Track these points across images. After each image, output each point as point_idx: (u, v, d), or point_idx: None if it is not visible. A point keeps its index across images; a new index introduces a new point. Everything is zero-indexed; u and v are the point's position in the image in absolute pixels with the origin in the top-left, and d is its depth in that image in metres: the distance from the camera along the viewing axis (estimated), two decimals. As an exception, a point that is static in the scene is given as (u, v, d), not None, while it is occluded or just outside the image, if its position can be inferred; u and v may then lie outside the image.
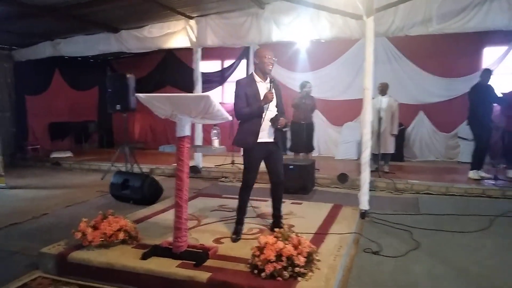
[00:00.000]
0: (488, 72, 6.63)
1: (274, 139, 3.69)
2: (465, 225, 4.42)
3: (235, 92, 3.62)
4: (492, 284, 2.97)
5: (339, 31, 5.95)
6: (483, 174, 6.56)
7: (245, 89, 3.59)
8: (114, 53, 9.22)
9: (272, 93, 3.54)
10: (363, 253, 3.59)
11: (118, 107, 6.80)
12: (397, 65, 9.07)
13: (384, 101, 6.99)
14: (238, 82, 3.65)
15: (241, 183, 3.79)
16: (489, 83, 6.52)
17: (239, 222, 3.78)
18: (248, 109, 3.56)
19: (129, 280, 2.94)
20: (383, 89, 7.05)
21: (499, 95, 6.38)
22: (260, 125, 3.57)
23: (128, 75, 6.76)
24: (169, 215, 4.33)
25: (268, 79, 3.63)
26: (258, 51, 3.72)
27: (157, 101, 3.11)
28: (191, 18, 6.96)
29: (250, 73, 3.78)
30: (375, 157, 7.00)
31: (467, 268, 3.28)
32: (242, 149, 3.78)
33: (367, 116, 4.83)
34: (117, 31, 7.51)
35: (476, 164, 6.62)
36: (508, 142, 7.12)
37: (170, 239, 3.33)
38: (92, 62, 11.20)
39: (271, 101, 3.53)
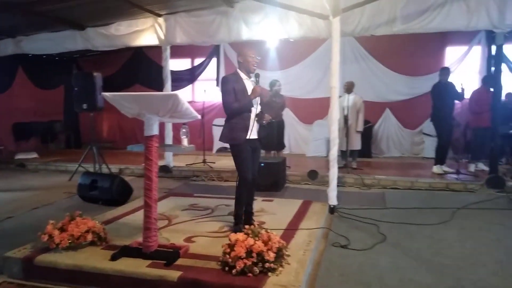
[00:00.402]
0: (446, 70, 6.91)
1: (258, 135, 3.78)
2: (429, 217, 4.60)
3: (222, 89, 3.64)
4: (453, 274, 3.11)
5: (307, 31, 6.05)
6: (446, 169, 6.84)
7: (232, 84, 3.62)
8: (80, 51, 8.98)
9: (260, 86, 3.61)
10: (332, 247, 3.68)
11: (84, 106, 6.66)
12: (364, 64, 9.30)
13: (349, 99, 7.16)
14: (225, 78, 3.69)
15: (238, 181, 3.77)
16: (449, 80, 6.79)
17: (240, 219, 3.80)
18: (237, 104, 3.58)
19: (99, 282, 2.91)
20: (348, 88, 7.21)
21: (459, 90, 6.63)
22: (250, 120, 3.62)
23: (94, 74, 6.63)
24: (139, 215, 4.27)
25: (253, 75, 3.69)
26: (242, 50, 3.76)
27: (124, 100, 3.08)
28: (160, 15, 6.89)
29: (234, 70, 3.79)
30: (343, 154, 7.18)
31: (429, 259, 3.42)
32: (230, 146, 3.74)
33: (334, 114, 4.94)
34: (83, 29, 7.32)
35: (439, 159, 6.90)
36: (474, 138, 7.42)
37: (140, 239, 3.31)
38: (58, 60, 10.88)
39: (259, 94, 3.59)
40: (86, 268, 2.96)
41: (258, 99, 3.64)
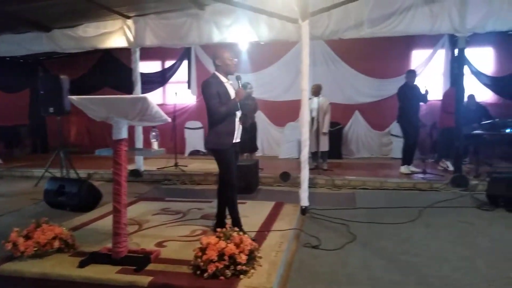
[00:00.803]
0: (412, 73, 7.14)
1: (241, 139, 3.76)
2: (397, 216, 4.73)
3: (206, 93, 3.54)
4: (420, 271, 3.21)
5: (277, 34, 6.11)
6: (413, 169, 7.05)
7: (216, 88, 3.53)
8: (46, 53, 8.73)
9: (243, 89, 3.59)
10: (303, 248, 3.73)
11: (51, 110, 6.46)
12: (334, 67, 9.47)
13: (317, 101, 7.28)
14: (207, 83, 3.57)
15: (224, 184, 3.78)
16: (415, 83, 7.02)
17: (238, 223, 3.71)
18: (225, 108, 3.50)
19: (66, 290, 2.84)
20: (316, 91, 7.32)
21: (423, 92, 6.86)
22: (235, 124, 3.59)
23: (61, 76, 6.44)
24: (108, 221, 4.18)
25: (235, 76, 3.64)
26: (219, 52, 3.67)
27: (92, 104, 3.01)
28: (129, 17, 6.79)
29: (212, 73, 3.69)
30: (314, 156, 7.28)
31: (397, 257, 3.52)
32: (214, 151, 3.69)
33: (305, 116, 5.01)
34: (49, 30, 7.12)
35: (406, 159, 7.10)
36: (443, 138, 7.69)
37: (109, 245, 3.25)
38: (22, 62, 10.50)
39: (243, 96, 3.55)
40: (53, 275, 2.88)
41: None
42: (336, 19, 5.85)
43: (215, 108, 3.51)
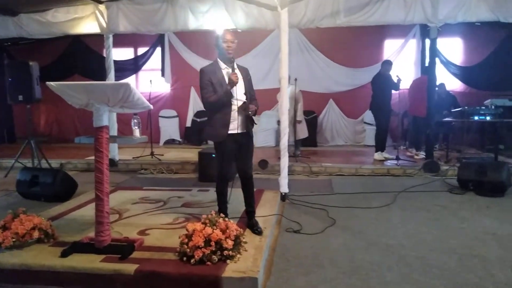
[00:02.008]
0: (388, 63, 7.29)
1: (247, 129, 3.50)
2: (373, 201, 4.88)
3: (200, 83, 3.40)
4: (398, 252, 3.33)
5: (255, 22, 6.08)
6: (387, 155, 7.25)
7: (208, 76, 3.37)
8: (12, 39, 8.34)
9: (236, 74, 3.31)
10: (286, 233, 3.79)
11: (20, 97, 6.23)
12: (309, 56, 9.55)
13: (288, 91, 7.30)
14: (201, 71, 3.42)
15: (216, 176, 3.60)
16: (391, 73, 7.18)
17: (226, 214, 3.44)
18: (215, 97, 3.32)
19: (49, 280, 2.77)
20: None
21: (395, 79, 7.04)
22: (230, 115, 3.37)
23: (31, 63, 6.21)
24: (87, 211, 4.16)
25: (235, 63, 3.41)
26: (219, 33, 3.47)
27: (72, 90, 2.92)
28: (101, 2, 6.56)
29: (214, 59, 3.52)
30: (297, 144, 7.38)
31: (376, 240, 3.63)
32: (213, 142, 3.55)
33: (285, 103, 5.05)
34: (15, 15, 6.79)
35: (380, 146, 7.30)
36: (412, 126, 7.93)
37: (91, 234, 3.20)
38: (-15, 48, 10.02)
39: (236, 83, 3.29)
40: (35, 266, 2.81)
41: (236, 91, 3.37)
42: (312, 8, 5.88)
43: (204, 98, 3.38)
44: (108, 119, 3.04)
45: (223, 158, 3.51)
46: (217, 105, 3.37)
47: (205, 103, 3.42)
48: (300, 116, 7.46)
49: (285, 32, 4.95)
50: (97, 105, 2.95)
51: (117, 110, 3.09)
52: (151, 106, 3.15)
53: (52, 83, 2.88)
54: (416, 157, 7.43)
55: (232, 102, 3.39)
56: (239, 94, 3.40)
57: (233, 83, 3.29)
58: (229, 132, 3.39)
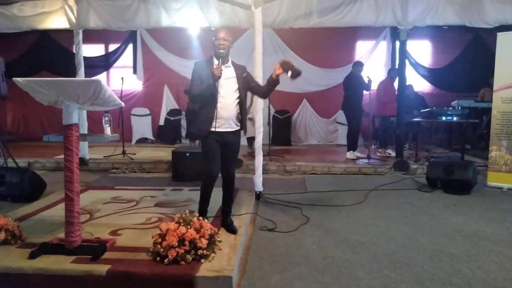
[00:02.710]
0: (359, 64, 7.45)
1: (241, 127, 3.48)
2: (346, 199, 4.96)
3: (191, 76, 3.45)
4: (369, 250, 3.40)
5: (228, 20, 6.07)
6: (358, 154, 7.39)
7: (199, 71, 3.37)
8: (-26, 33, 8.00)
9: (220, 69, 3.22)
10: (260, 231, 3.80)
11: (-15, 94, 5.97)
12: (282, 56, 9.56)
13: None
14: (194, 64, 3.45)
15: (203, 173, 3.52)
16: (361, 74, 7.34)
17: (203, 215, 3.38)
18: (198, 88, 3.31)
19: (17, 283, 2.67)
20: None
21: (366, 80, 7.21)
22: (215, 111, 3.30)
23: (-4, 58, 5.96)
24: (56, 211, 4.04)
25: (230, 60, 3.41)
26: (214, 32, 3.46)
27: (40, 86, 2.82)
28: (70, -3, 6.40)
29: (211, 55, 3.46)
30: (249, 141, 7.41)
31: (348, 237, 3.69)
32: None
33: (259, 103, 5.06)
34: (-22, 7, 6.53)
35: (351, 145, 7.43)
36: (381, 126, 8.13)
37: (61, 235, 3.12)
38: None
39: (218, 77, 3.20)
40: (1, 269, 2.70)
41: (218, 87, 3.28)
42: (286, 8, 5.93)
43: (191, 90, 3.42)
44: (78, 116, 2.96)
45: (207, 155, 3.44)
46: (199, 97, 3.37)
47: (190, 95, 3.45)
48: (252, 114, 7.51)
49: (259, 32, 4.97)
50: (66, 103, 2.87)
51: (88, 107, 3.02)
52: (123, 104, 3.09)
53: (19, 79, 2.77)
54: (381, 154, 7.60)
55: (218, 100, 3.31)
56: (226, 91, 3.35)
57: (214, 76, 3.22)
58: (213, 129, 3.34)
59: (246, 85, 3.51)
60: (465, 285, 2.76)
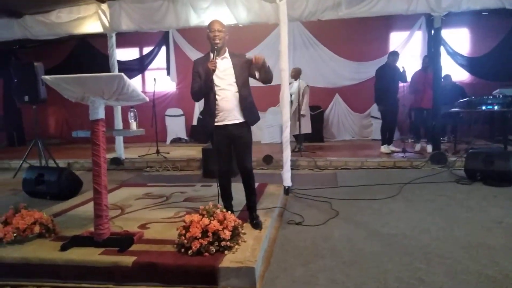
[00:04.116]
0: (395, 54, 7.20)
1: (246, 118, 3.39)
2: (378, 193, 4.81)
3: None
4: (400, 242, 3.28)
5: (256, 16, 6.05)
6: (393, 148, 7.16)
7: (197, 68, 3.36)
8: (19, 42, 8.44)
9: (214, 62, 3.20)
10: (287, 225, 3.76)
11: (26, 98, 6.29)
12: (313, 51, 9.50)
13: (295, 85, 7.33)
14: (193, 62, 3.45)
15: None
16: (396, 64, 7.10)
17: (228, 210, 3.29)
18: (197, 86, 3.34)
19: (48, 273, 2.77)
20: (295, 74, 7.37)
21: (401, 70, 6.97)
22: (215, 104, 3.31)
23: (36, 63, 6.26)
24: (90, 207, 4.10)
25: (227, 51, 3.38)
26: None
27: (66, 83, 2.93)
28: (103, 1, 6.61)
29: (208, 51, 3.38)
30: (295, 138, 7.34)
31: (379, 230, 3.58)
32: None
33: (286, 96, 5.01)
34: (20, 16, 6.88)
35: (386, 139, 7.21)
36: (415, 119, 7.84)
37: (91, 229, 3.21)
38: (-6, 52, 10.16)
39: (213, 70, 3.20)
40: (34, 260, 2.82)
41: (232, 76, 3.30)
42: (314, 0, 5.83)
43: (191, 89, 3.39)
44: (104, 112, 3.04)
45: (216, 151, 3.48)
46: (199, 94, 3.38)
47: (191, 94, 3.41)
48: (304, 110, 7.42)
49: (284, 24, 4.93)
50: (92, 98, 2.96)
51: (113, 103, 3.09)
52: (147, 99, 3.14)
53: (47, 76, 2.89)
54: (417, 149, 7.32)
55: (217, 93, 3.31)
56: (224, 83, 3.33)
57: (208, 70, 3.22)
58: (217, 123, 3.35)
59: (247, 72, 3.43)
60: (504, 278, 2.59)
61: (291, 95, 7.16)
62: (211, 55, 3.27)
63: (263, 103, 9.54)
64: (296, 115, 7.30)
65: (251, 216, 3.56)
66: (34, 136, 6.70)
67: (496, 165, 4.96)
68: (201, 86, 3.33)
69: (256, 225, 3.41)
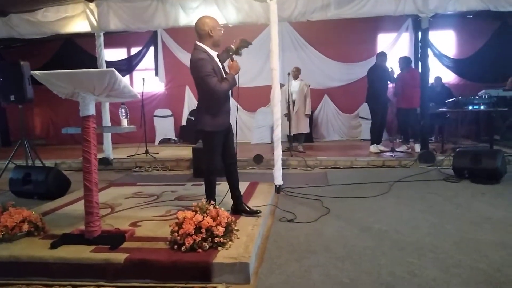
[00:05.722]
0: (383, 55, 7.29)
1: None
2: (368, 191, 4.84)
3: (202, 71, 3.15)
4: (391, 237, 3.30)
5: (245, 16, 6.08)
6: (382, 148, 7.23)
7: (211, 65, 3.19)
8: (4, 42, 8.31)
9: (237, 61, 3.30)
10: (279, 222, 3.75)
11: (12, 98, 6.15)
12: (302, 52, 9.55)
13: (295, 85, 7.39)
14: (201, 60, 3.16)
15: (206, 167, 3.57)
16: (386, 64, 7.18)
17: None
18: (226, 84, 3.23)
19: (38, 271, 2.71)
20: (296, 74, 7.45)
21: (389, 70, 7.06)
22: (229, 103, 3.43)
23: (22, 63, 6.12)
24: (79, 206, 4.08)
25: (232, 49, 3.39)
26: (209, 20, 3.31)
27: (56, 79, 2.88)
28: (91, 0, 6.55)
29: (198, 46, 3.28)
30: (287, 138, 7.37)
31: (370, 227, 3.60)
32: (205, 133, 3.43)
33: (277, 95, 5.01)
34: (5, 15, 6.77)
35: (375, 139, 7.27)
36: (401, 119, 7.93)
37: (81, 227, 3.16)
38: (-23, 52, 10.00)
39: (238, 70, 3.29)
40: (23, 258, 2.76)
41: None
42: (303, 1, 5.87)
43: (217, 87, 3.17)
44: (94, 108, 2.99)
45: (216, 148, 3.47)
46: (226, 93, 3.34)
47: (217, 92, 3.19)
48: (308, 110, 7.51)
49: (274, 23, 4.94)
50: (83, 94, 2.91)
51: (103, 99, 3.06)
52: (138, 95, 3.12)
53: (37, 72, 2.84)
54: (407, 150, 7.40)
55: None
56: None
57: (237, 70, 3.31)
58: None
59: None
60: (494, 271, 2.62)
61: (292, 94, 7.27)
62: (229, 54, 3.38)
63: (253, 104, 9.58)
64: (299, 115, 7.35)
65: (243, 206, 3.65)
66: (20, 137, 6.57)
67: (483, 163, 5.04)
68: (231, 85, 3.28)
69: (255, 211, 3.55)
